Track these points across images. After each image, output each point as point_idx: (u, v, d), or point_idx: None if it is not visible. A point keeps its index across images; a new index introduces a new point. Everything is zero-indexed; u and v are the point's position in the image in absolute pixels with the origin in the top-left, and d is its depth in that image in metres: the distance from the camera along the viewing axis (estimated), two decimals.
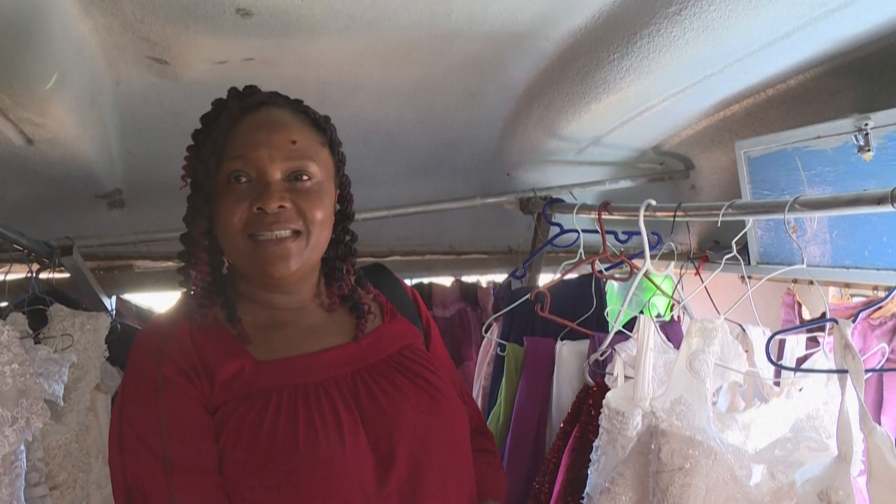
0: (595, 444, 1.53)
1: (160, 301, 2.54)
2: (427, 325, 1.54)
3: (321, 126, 1.35)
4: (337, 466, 1.16)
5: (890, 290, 1.38)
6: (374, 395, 1.26)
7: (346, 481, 1.16)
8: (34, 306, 1.90)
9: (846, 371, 1.15)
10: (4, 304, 1.96)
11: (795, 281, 2.15)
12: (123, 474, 1.15)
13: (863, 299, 2.00)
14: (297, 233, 1.25)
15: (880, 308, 1.75)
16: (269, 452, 1.14)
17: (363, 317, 1.38)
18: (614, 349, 1.67)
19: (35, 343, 1.77)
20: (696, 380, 1.38)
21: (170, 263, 2.49)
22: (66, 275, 2.13)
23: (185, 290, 1.31)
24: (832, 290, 2.12)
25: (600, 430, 1.51)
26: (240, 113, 1.27)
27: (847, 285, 2.02)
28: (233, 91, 1.31)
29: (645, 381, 1.47)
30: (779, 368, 1.54)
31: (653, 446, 1.32)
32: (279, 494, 1.14)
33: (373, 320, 1.41)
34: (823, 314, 1.79)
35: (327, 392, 1.22)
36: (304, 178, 1.27)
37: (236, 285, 1.34)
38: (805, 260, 1.62)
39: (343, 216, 1.42)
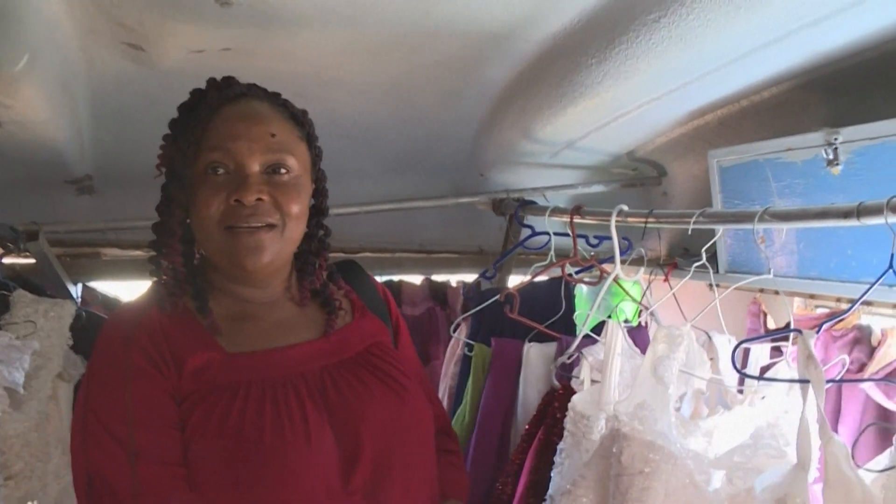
0: (559, 446, 1.54)
1: (127, 290, 2.51)
2: (396, 323, 1.54)
3: (299, 120, 1.35)
4: (302, 461, 1.16)
5: (852, 302, 1.40)
6: (341, 392, 1.26)
7: (311, 476, 1.17)
8: None
9: (808, 381, 1.17)
10: None
11: (762, 290, 2.17)
12: (85, 463, 1.14)
13: (826, 310, 2.03)
14: (271, 226, 1.25)
15: (842, 320, 1.78)
16: (235, 445, 1.14)
17: (334, 312, 1.38)
18: (581, 353, 1.69)
19: None
20: (659, 385, 1.39)
21: (138, 252, 2.46)
22: (31, 260, 2.10)
23: (154, 279, 1.30)
24: (797, 300, 2.15)
25: (565, 432, 1.52)
26: (219, 103, 1.27)
27: (812, 296, 2.05)
28: (211, 81, 1.30)
29: (611, 385, 1.48)
30: (743, 377, 1.56)
31: (614, 449, 1.33)
32: (244, 487, 1.14)
33: (343, 317, 1.41)
34: (788, 324, 1.81)
35: (295, 387, 1.22)
36: (282, 171, 1.27)
37: (208, 276, 1.33)
38: (772, 270, 1.64)
39: (317, 211, 1.41)
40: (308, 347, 1.31)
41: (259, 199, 1.23)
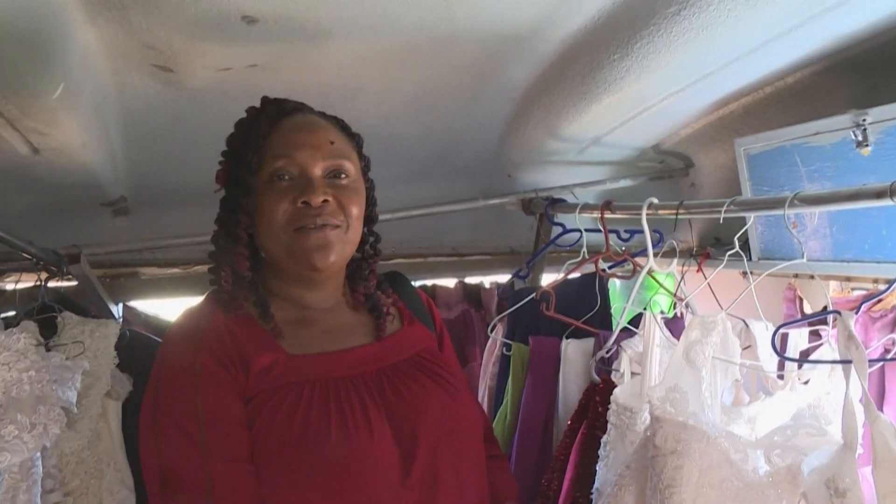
0: (603, 440, 1.55)
1: (166, 307, 2.55)
2: (440, 332, 1.59)
3: (349, 131, 1.43)
4: (365, 457, 1.21)
5: (890, 282, 1.39)
6: (398, 391, 1.31)
7: (374, 472, 1.21)
8: (43, 315, 1.91)
9: (850, 361, 1.17)
10: (12, 313, 1.98)
11: (796, 276, 2.16)
12: (158, 460, 1.19)
13: (863, 292, 2.02)
14: (336, 226, 1.31)
15: (881, 301, 1.77)
16: (301, 441, 1.19)
17: (382, 317, 1.44)
18: (620, 346, 1.69)
19: (46, 351, 1.78)
20: (691, 369, 1.40)
21: (175, 270, 2.51)
22: (74, 283, 2.15)
23: (214, 287, 1.36)
24: (832, 283, 2.13)
25: (609, 425, 1.53)
26: (277, 117, 1.35)
27: (847, 279, 2.04)
28: (266, 99, 1.39)
29: (652, 376, 1.49)
30: (784, 361, 1.56)
31: (649, 433, 1.35)
32: (310, 480, 1.19)
33: (392, 322, 1.47)
34: (825, 307, 1.80)
35: (356, 387, 1.27)
36: (343, 175, 1.34)
37: (268, 283, 1.39)
38: (805, 254, 1.64)
39: (368, 218, 1.48)
40: (364, 351, 1.36)
41: (325, 201, 1.30)
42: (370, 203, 1.48)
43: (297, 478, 1.19)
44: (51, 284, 2.02)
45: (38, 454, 1.51)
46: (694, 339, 1.42)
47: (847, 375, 1.18)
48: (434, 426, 1.30)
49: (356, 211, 1.35)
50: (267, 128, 1.33)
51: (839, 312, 1.18)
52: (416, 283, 2.68)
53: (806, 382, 1.51)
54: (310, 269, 1.32)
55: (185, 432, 1.18)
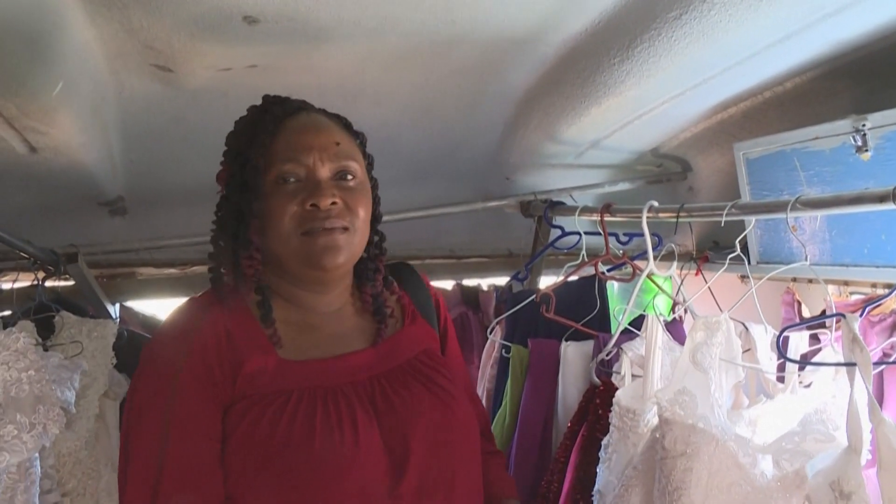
0: (604, 441, 1.55)
1: (163, 308, 2.54)
2: (444, 327, 1.56)
3: (353, 130, 1.41)
4: (351, 464, 1.18)
5: (890, 285, 1.39)
6: (390, 400, 1.28)
7: (359, 480, 1.19)
8: (40, 314, 1.90)
9: (855, 364, 1.17)
10: (8, 312, 1.97)
11: (794, 279, 2.17)
12: (125, 449, 1.18)
13: (861, 297, 2.03)
14: (344, 228, 1.28)
15: (879, 305, 1.77)
16: (284, 447, 1.16)
17: (384, 322, 1.41)
18: (621, 348, 1.69)
19: (44, 351, 1.77)
20: (699, 371, 1.40)
21: (172, 270, 2.50)
22: (71, 283, 2.14)
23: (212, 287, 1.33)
24: (831, 288, 2.14)
25: (611, 428, 1.52)
26: (282, 116, 1.31)
27: (846, 283, 2.04)
28: (268, 97, 1.36)
29: (654, 378, 1.49)
30: (787, 363, 1.55)
31: (657, 435, 1.35)
32: (292, 491, 1.16)
33: (393, 324, 1.43)
34: (823, 311, 1.81)
35: (345, 395, 1.25)
36: (349, 177, 1.32)
37: (271, 285, 1.35)
38: (808, 258, 1.64)
39: (373, 217, 1.44)
40: (358, 357, 1.33)
41: (333, 203, 1.27)
42: (374, 201, 1.44)
43: (280, 486, 1.16)
44: (48, 284, 2.02)
45: (37, 454, 1.51)
46: (700, 340, 1.42)
47: (851, 378, 1.18)
48: (426, 437, 1.27)
49: (363, 213, 1.32)
50: (272, 128, 1.30)
51: (843, 315, 1.18)
52: None
53: (808, 386, 1.51)
54: (318, 270, 1.29)
55: (149, 432, 1.17)
